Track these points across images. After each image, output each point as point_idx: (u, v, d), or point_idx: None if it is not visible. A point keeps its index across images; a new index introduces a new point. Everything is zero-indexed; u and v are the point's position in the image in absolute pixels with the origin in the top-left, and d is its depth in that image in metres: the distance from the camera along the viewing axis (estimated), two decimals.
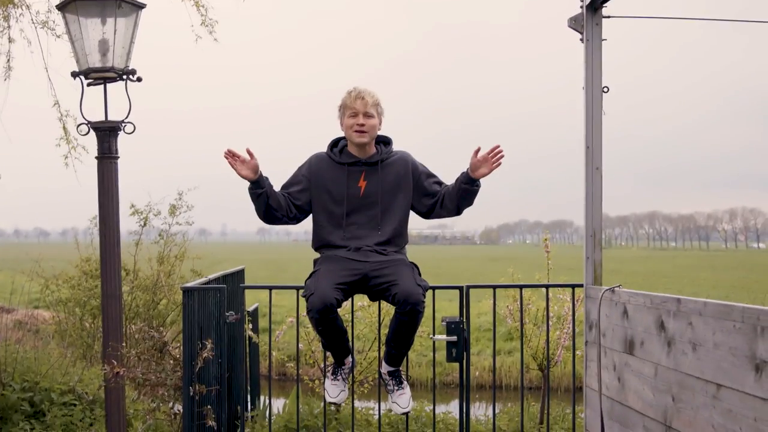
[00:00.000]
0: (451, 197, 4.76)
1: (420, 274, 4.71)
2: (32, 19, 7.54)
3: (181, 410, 5.69)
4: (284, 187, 4.83)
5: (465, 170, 4.67)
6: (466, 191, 4.70)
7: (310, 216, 4.89)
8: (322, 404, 6.48)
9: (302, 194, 4.79)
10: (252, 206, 4.74)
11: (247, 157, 4.58)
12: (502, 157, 4.62)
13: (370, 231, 4.71)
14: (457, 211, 4.82)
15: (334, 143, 4.85)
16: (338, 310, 4.54)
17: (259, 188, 4.63)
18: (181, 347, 5.55)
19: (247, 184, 4.64)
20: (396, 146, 4.89)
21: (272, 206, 4.70)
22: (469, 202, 4.79)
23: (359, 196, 4.71)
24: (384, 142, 4.85)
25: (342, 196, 4.71)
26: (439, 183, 4.87)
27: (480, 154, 4.59)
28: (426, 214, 4.90)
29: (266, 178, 4.67)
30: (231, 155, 4.58)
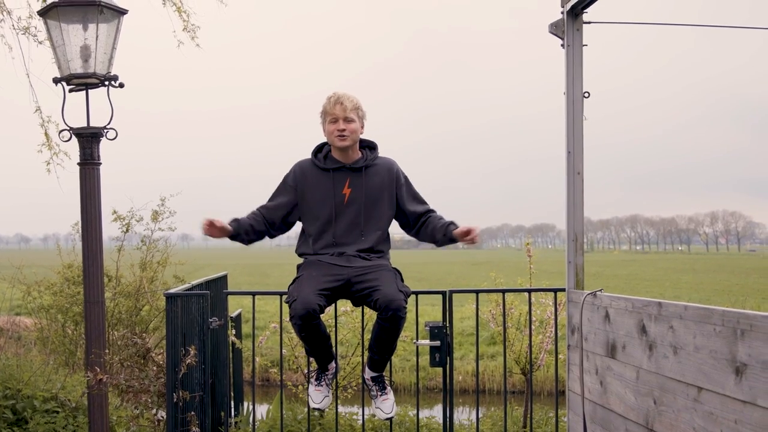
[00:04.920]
0: (433, 235, 4.89)
1: (402, 280, 4.73)
2: (13, 25, 7.51)
3: (165, 417, 5.68)
4: (271, 199, 4.87)
5: (455, 229, 4.75)
6: (447, 243, 4.91)
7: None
8: (306, 410, 6.48)
9: (288, 205, 4.82)
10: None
11: (219, 224, 4.70)
12: (473, 242, 4.77)
13: (354, 238, 4.73)
14: (432, 244, 5.02)
15: (318, 149, 4.86)
16: (321, 315, 4.55)
17: (235, 239, 4.81)
18: (165, 354, 5.54)
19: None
20: (380, 152, 4.91)
21: (253, 239, 4.86)
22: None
23: (343, 203, 4.73)
24: (369, 146, 4.87)
25: (328, 203, 4.72)
26: (422, 202, 4.95)
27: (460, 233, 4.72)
28: (405, 230, 5.02)
29: (234, 222, 4.77)
30: (210, 225, 4.68)
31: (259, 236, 4.86)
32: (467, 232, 4.67)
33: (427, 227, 4.88)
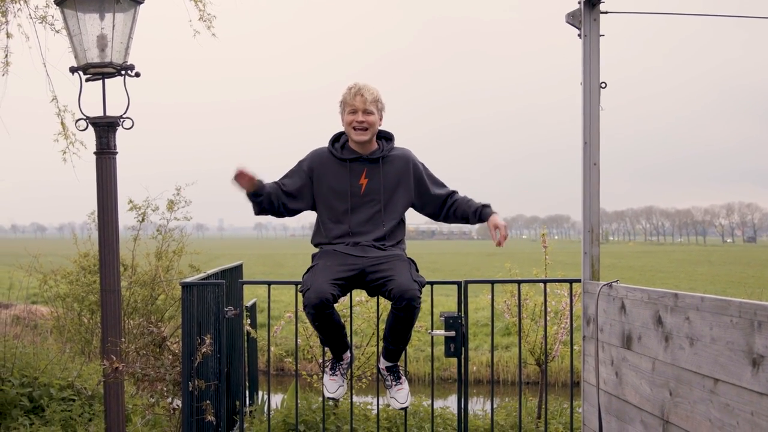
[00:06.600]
0: (463, 214, 4.94)
1: (417, 270, 4.73)
2: (30, 14, 7.53)
3: (180, 405, 5.70)
4: (282, 178, 4.85)
5: (488, 212, 4.85)
6: (473, 222, 4.97)
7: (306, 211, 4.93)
8: (321, 399, 6.50)
9: (298, 188, 4.80)
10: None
11: (253, 175, 4.65)
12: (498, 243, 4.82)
13: (370, 228, 4.73)
14: (463, 223, 5.09)
15: (336, 138, 4.86)
16: (336, 305, 4.55)
17: (258, 197, 4.71)
18: (180, 342, 5.56)
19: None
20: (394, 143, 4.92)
21: (266, 208, 4.78)
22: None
23: (360, 194, 4.73)
24: (386, 137, 4.87)
25: (344, 193, 4.72)
26: (443, 185, 4.96)
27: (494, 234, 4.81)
28: (433, 217, 5.05)
29: (261, 182, 4.72)
30: (241, 175, 4.62)
31: (272, 208, 4.79)
32: (496, 228, 4.77)
33: (457, 210, 4.93)
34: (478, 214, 4.88)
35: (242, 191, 4.68)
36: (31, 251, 10.47)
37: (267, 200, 4.73)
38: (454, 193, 4.98)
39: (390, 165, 4.79)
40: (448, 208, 4.93)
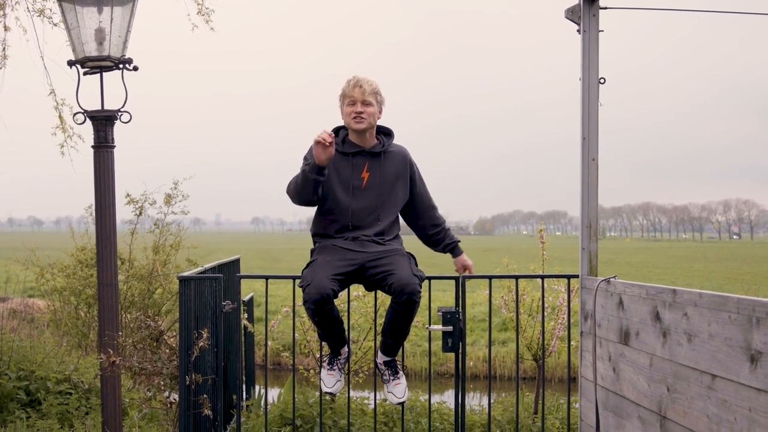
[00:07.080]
0: (436, 241, 5.13)
1: (417, 264, 4.74)
2: (28, 7, 7.49)
3: (177, 399, 5.70)
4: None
5: (458, 251, 5.17)
6: (439, 251, 5.21)
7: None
8: (318, 394, 6.50)
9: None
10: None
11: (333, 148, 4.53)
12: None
13: (370, 221, 4.74)
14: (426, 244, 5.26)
15: (335, 132, 4.86)
16: (334, 300, 4.56)
17: (322, 176, 4.58)
18: (177, 336, 5.55)
19: (308, 165, 4.57)
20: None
21: (317, 190, 4.67)
22: None
23: (361, 187, 4.74)
24: (385, 133, 4.89)
25: (347, 186, 4.73)
26: (429, 199, 5.08)
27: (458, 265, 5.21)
28: (408, 219, 5.14)
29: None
30: (327, 140, 4.45)
31: (318, 193, 4.70)
32: (464, 268, 5.18)
33: (435, 234, 5.10)
34: (450, 248, 5.12)
35: (318, 161, 4.50)
36: (28, 245, 10.43)
37: (321, 184, 4.65)
38: (437, 214, 5.13)
39: (389, 160, 4.82)
40: (431, 226, 5.08)
